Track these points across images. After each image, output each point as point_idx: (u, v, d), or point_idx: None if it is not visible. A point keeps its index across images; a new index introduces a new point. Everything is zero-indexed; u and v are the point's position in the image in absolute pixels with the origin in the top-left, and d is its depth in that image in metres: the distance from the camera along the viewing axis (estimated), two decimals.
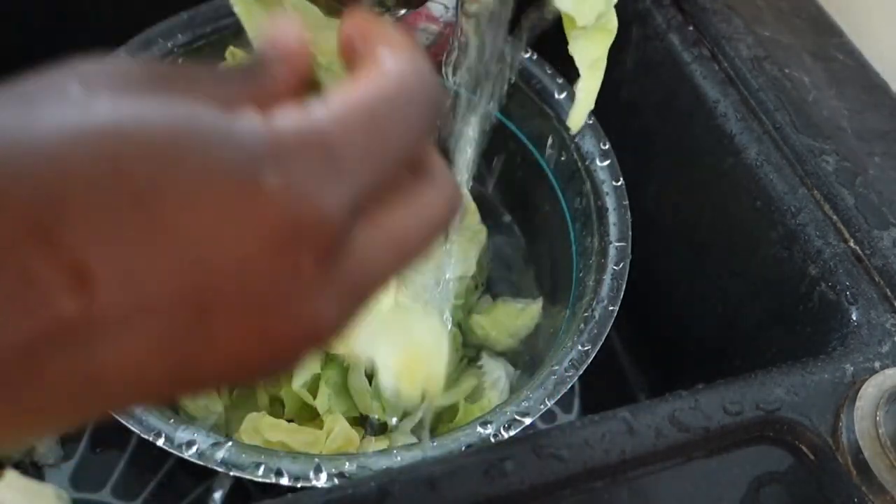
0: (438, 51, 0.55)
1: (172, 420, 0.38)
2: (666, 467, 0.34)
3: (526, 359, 0.54)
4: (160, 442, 0.37)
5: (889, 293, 0.41)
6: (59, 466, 0.52)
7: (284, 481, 0.36)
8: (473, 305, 0.57)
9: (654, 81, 0.56)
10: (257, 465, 0.36)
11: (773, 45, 0.52)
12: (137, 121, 0.14)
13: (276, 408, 0.50)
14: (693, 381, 0.37)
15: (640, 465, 0.34)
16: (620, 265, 0.46)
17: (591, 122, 0.51)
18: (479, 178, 0.61)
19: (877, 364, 0.38)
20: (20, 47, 0.55)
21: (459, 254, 0.53)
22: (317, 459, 0.36)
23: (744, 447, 0.35)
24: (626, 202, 0.49)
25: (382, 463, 0.37)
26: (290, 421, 0.46)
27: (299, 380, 0.46)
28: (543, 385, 0.41)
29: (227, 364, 0.16)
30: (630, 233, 0.48)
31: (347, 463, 0.36)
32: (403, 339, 0.33)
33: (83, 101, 0.14)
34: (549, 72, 0.54)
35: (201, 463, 0.36)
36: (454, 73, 0.44)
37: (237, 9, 0.31)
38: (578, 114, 0.43)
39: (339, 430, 0.45)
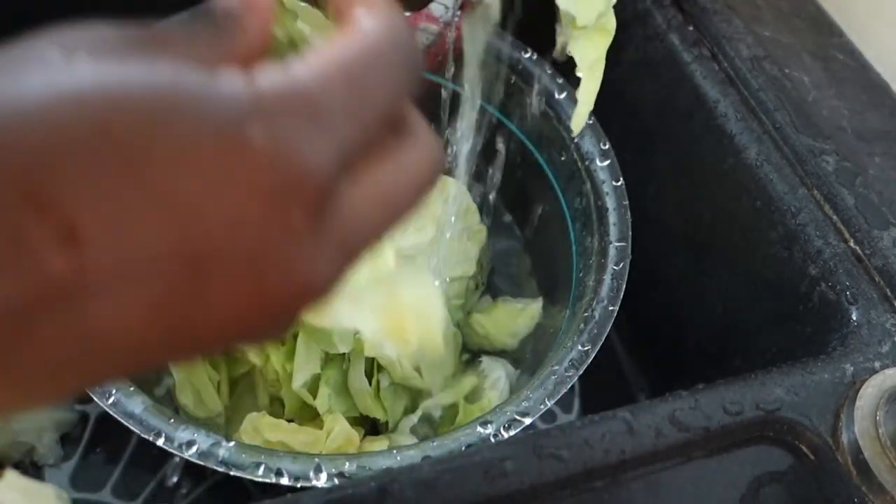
0: (438, 51, 0.55)
1: (172, 420, 0.38)
2: (666, 467, 0.34)
3: (526, 359, 0.54)
4: (160, 442, 0.37)
5: (889, 293, 0.41)
6: (59, 466, 0.52)
7: (284, 481, 0.36)
8: (473, 305, 0.57)
9: (654, 81, 0.56)
10: (257, 465, 0.36)
11: (773, 44, 0.52)
12: (121, 82, 0.14)
13: (276, 408, 0.50)
14: (693, 381, 0.37)
15: (640, 465, 0.34)
16: (620, 265, 0.46)
17: (591, 122, 0.51)
18: (479, 178, 0.61)
19: (877, 364, 0.38)
20: None
21: (459, 254, 0.53)
22: (317, 459, 0.36)
23: (744, 447, 0.35)
24: (626, 202, 0.49)
25: (382, 463, 0.37)
26: (290, 421, 0.46)
27: (299, 380, 0.46)
28: (543, 385, 0.41)
29: (223, 324, 0.16)
30: (630, 233, 0.48)
31: (347, 463, 0.36)
32: (388, 300, 0.33)
33: (64, 65, 0.14)
34: (549, 72, 0.54)
35: (201, 463, 0.36)
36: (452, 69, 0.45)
37: None
38: (580, 116, 0.44)
39: (339, 430, 0.45)
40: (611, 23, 0.40)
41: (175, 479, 0.51)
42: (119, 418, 0.38)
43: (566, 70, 0.51)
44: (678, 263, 0.56)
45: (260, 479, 0.36)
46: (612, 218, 0.48)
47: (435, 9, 0.54)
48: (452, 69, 0.52)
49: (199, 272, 0.15)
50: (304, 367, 0.47)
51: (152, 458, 0.53)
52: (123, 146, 0.14)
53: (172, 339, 0.16)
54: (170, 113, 0.15)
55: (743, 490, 0.34)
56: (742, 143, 0.48)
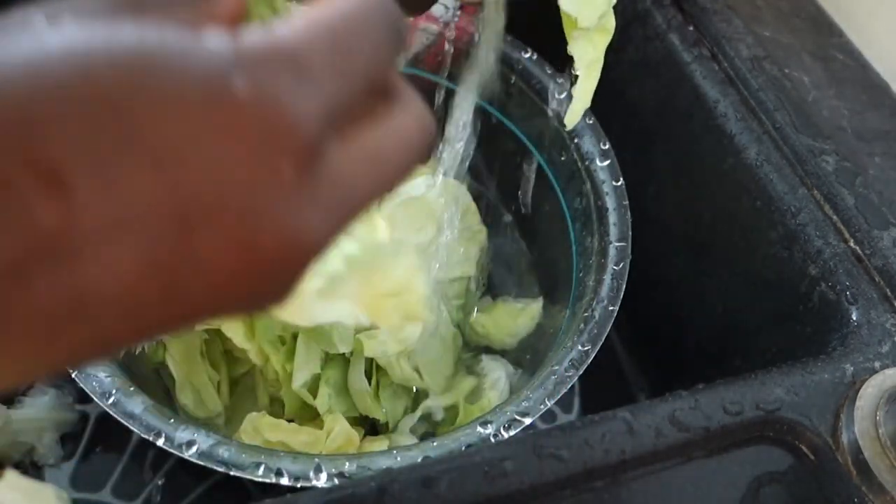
0: (438, 51, 0.55)
1: (172, 420, 0.38)
2: (666, 467, 0.34)
3: (526, 359, 0.54)
4: (160, 442, 0.37)
5: (889, 293, 0.41)
6: (59, 466, 0.52)
7: (284, 481, 0.36)
8: (473, 305, 0.57)
9: (654, 81, 0.56)
10: (257, 465, 0.36)
11: (773, 45, 0.52)
12: (105, 39, 0.15)
13: (276, 408, 0.50)
14: (693, 381, 0.37)
15: (640, 465, 0.34)
16: (620, 265, 0.46)
17: (591, 122, 0.51)
18: (479, 178, 0.61)
19: (877, 364, 0.38)
20: None
21: (459, 254, 0.53)
22: (317, 459, 0.36)
23: (744, 447, 0.35)
24: (626, 202, 0.49)
25: (382, 463, 0.37)
26: (290, 421, 0.46)
27: (299, 380, 0.46)
28: (543, 385, 0.41)
29: (216, 281, 0.16)
30: (630, 233, 0.48)
31: (347, 463, 0.36)
32: (364, 288, 0.33)
33: (50, 28, 0.15)
34: (549, 72, 0.54)
35: (201, 463, 0.36)
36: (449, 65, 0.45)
37: None
38: (575, 112, 0.44)
39: (339, 430, 0.45)
40: (610, 22, 0.40)
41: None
42: (119, 418, 0.38)
43: (566, 70, 0.51)
44: (678, 263, 0.56)
45: (260, 479, 0.36)
46: (612, 218, 0.48)
47: (435, 9, 0.54)
48: (448, 70, 0.53)
49: (189, 225, 0.15)
50: (304, 367, 0.47)
51: (152, 458, 0.53)
52: (109, 98, 0.14)
53: (166, 299, 0.15)
54: (154, 66, 0.15)
55: (743, 490, 0.34)
56: (742, 143, 0.48)
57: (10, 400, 0.51)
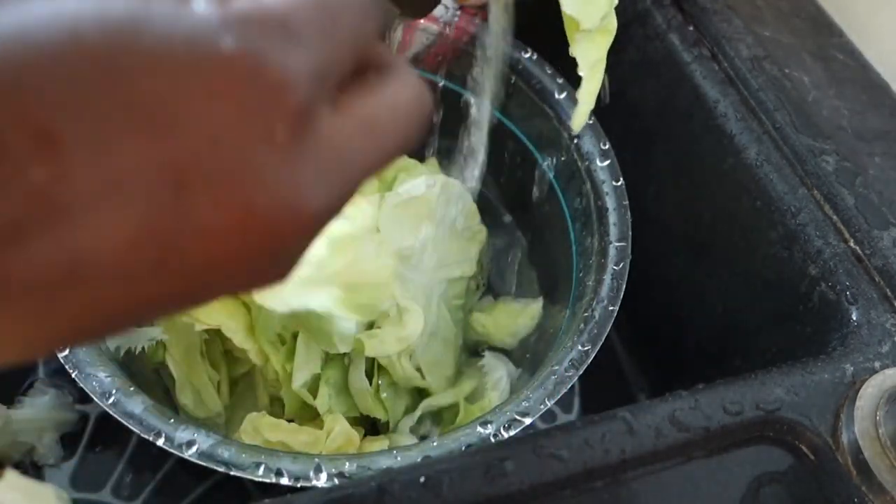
0: (438, 51, 0.55)
1: (172, 420, 0.38)
2: (666, 467, 0.34)
3: (526, 359, 0.54)
4: (160, 442, 0.37)
5: (889, 293, 0.41)
6: (59, 466, 0.52)
7: (284, 481, 0.36)
8: (474, 305, 0.57)
9: (654, 81, 0.56)
10: (257, 465, 0.36)
11: (773, 45, 0.52)
12: (96, 4, 0.15)
13: (276, 408, 0.50)
14: (693, 381, 0.37)
15: (640, 465, 0.34)
16: (620, 265, 0.46)
17: (591, 122, 0.51)
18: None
19: (877, 364, 0.38)
20: None
21: (459, 254, 0.53)
22: (317, 459, 0.36)
23: (744, 447, 0.35)
24: (626, 202, 0.49)
25: (382, 463, 0.37)
26: (290, 421, 0.46)
27: (299, 380, 0.47)
28: (543, 385, 0.41)
29: (213, 249, 0.15)
30: (630, 233, 0.48)
31: (347, 463, 0.36)
32: (339, 276, 0.33)
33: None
34: (549, 72, 0.54)
35: (201, 463, 0.36)
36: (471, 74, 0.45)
37: None
38: (581, 115, 0.44)
39: (339, 430, 0.45)
40: (612, 23, 0.40)
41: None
42: (119, 418, 0.38)
43: (566, 70, 0.51)
44: (678, 263, 0.56)
45: (260, 479, 0.36)
46: (612, 218, 0.48)
47: (435, 9, 0.54)
48: (445, 69, 0.53)
49: (182, 187, 0.15)
50: (304, 367, 0.47)
51: (152, 458, 0.53)
52: (99, 60, 0.14)
53: (162, 265, 0.15)
54: (143, 28, 0.15)
55: (743, 490, 0.34)
56: (742, 143, 0.48)
57: (10, 400, 0.51)
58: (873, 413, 0.35)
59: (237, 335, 0.46)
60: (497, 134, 0.56)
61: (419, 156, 0.55)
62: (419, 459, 0.37)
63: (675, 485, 0.33)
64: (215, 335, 0.49)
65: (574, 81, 0.46)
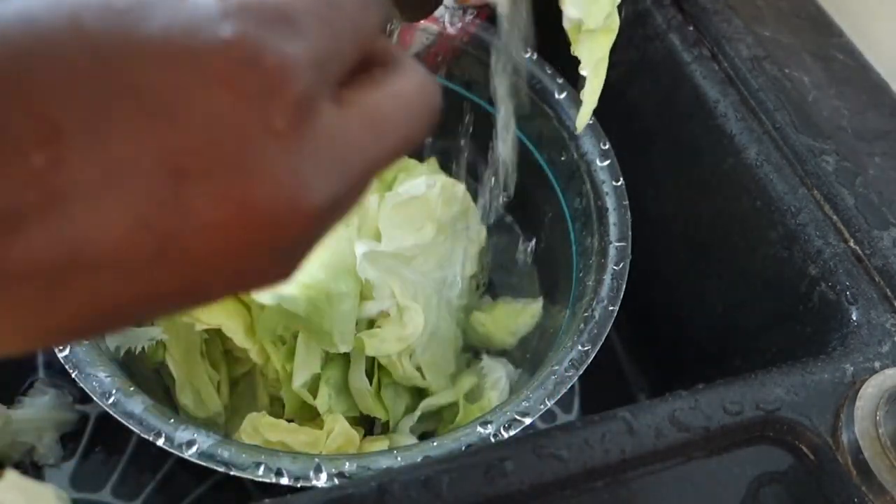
0: (438, 51, 0.55)
1: (172, 420, 0.38)
2: (666, 467, 0.34)
3: (526, 359, 0.54)
4: (160, 442, 0.37)
5: (889, 293, 0.41)
6: (59, 466, 0.52)
7: (284, 481, 0.36)
8: (474, 305, 0.57)
9: (654, 81, 0.56)
10: (257, 465, 0.36)
11: (773, 45, 0.52)
12: None
13: (276, 408, 0.50)
14: (693, 381, 0.37)
15: (640, 465, 0.34)
16: (620, 265, 0.46)
17: (591, 122, 0.51)
18: (479, 178, 0.61)
19: (877, 364, 0.38)
20: None
21: (459, 254, 0.53)
22: (317, 459, 0.36)
23: (744, 447, 0.35)
24: (626, 202, 0.49)
25: (382, 463, 0.37)
26: (290, 421, 0.46)
27: (299, 379, 0.46)
28: (543, 385, 0.41)
29: (213, 243, 0.15)
30: (630, 233, 0.48)
31: (347, 463, 0.36)
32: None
33: None
34: (549, 72, 0.54)
35: (201, 463, 0.36)
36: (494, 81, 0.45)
37: None
38: (585, 114, 0.44)
39: (339, 430, 0.45)
40: (615, 22, 0.40)
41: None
42: (119, 418, 0.38)
43: (566, 70, 0.51)
44: (678, 263, 0.56)
45: (260, 479, 0.36)
46: (612, 218, 0.48)
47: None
48: (445, 69, 0.53)
49: (181, 177, 0.15)
50: (304, 366, 0.47)
51: (152, 458, 0.53)
52: (99, 48, 0.14)
53: (161, 256, 0.15)
54: (143, 16, 0.15)
55: (743, 490, 0.34)
56: (742, 143, 0.48)
57: (10, 400, 0.51)
58: (873, 413, 0.35)
59: (237, 335, 0.46)
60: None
61: (418, 156, 0.55)
62: (419, 459, 0.37)
63: (675, 485, 0.33)
64: (215, 335, 0.49)
65: (573, 81, 0.46)
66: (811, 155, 0.46)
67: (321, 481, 0.36)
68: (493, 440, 0.38)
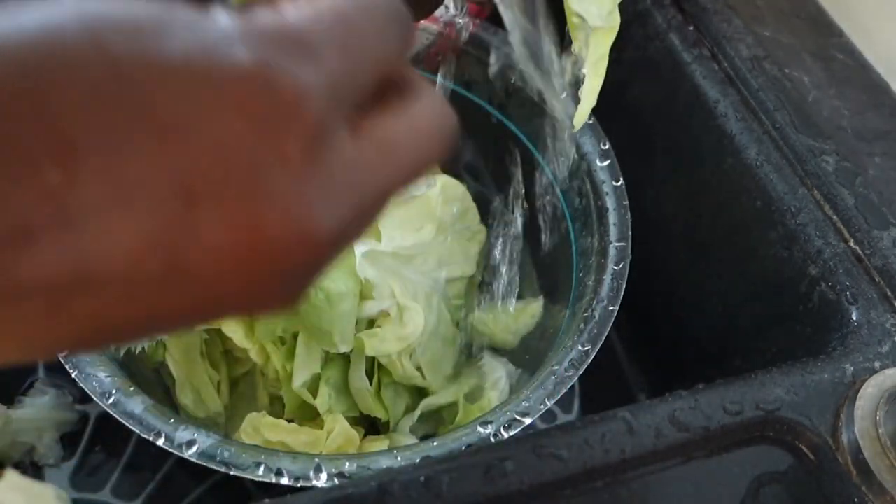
0: (438, 51, 0.55)
1: (172, 420, 0.38)
2: (666, 467, 0.34)
3: (526, 359, 0.54)
4: (160, 442, 0.37)
5: (889, 293, 0.41)
6: (59, 466, 0.52)
7: (284, 481, 0.36)
8: (474, 305, 0.57)
9: (654, 81, 0.56)
10: (257, 465, 0.36)
11: (773, 45, 0.52)
12: (117, 11, 0.15)
13: (276, 408, 0.50)
14: (693, 381, 0.37)
15: (640, 465, 0.34)
16: (620, 265, 0.46)
17: (591, 122, 0.51)
18: (479, 178, 0.61)
19: (877, 364, 0.38)
20: None
21: (459, 254, 0.53)
22: (317, 459, 0.36)
23: (744, 447, 0.35)
24: (626, 202, 0.49)
25: (382, 463, 0.37)
26: (290, 421, 0.46)
27: (299, 379, 0.46)
28: (543, 385, 0.41)
29: (221, 266, 0.15)
30: (630, 233, 0.48)
31: (347, 463, 0.36)
32: None
33: (58, 2, 0.15)
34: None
35: (201, 463, 0.36)
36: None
37: None
38: (583, 112, 0.44)
39: (339, 430, 0.45)
40: (616, 20, 0.40)
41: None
42: (119, 418, 0.38)
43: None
44: (678, 263, 0.56)
45: (260, 479, 0.36)
46: (612, 218, 0.48)
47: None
48: (444, 69, 0.53)
49: (192, 201, 0.15)
50: (304, 366, 0.47)
51: (152, 458, 0.53)
52: (118, 67, 0.14)
53: (169, 278, 0.15)
54: (162, 36, 0.15)
55: (743, 490, 0.34)
56: (742, 143, 0.48)
57: (10, 400, 0.51)
58: (873, 413, 0.35)
59: (237, 335, 0.46)
60: (497, 134, 0.56)
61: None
62: (419, 459, 0.37)
63: (675, 485, 0.33)
64: (215, 335, 0.49)
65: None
66: (811, 155, 0.46)
67: (321, 481, 0.36)
68: (493, 440, 0.38)
